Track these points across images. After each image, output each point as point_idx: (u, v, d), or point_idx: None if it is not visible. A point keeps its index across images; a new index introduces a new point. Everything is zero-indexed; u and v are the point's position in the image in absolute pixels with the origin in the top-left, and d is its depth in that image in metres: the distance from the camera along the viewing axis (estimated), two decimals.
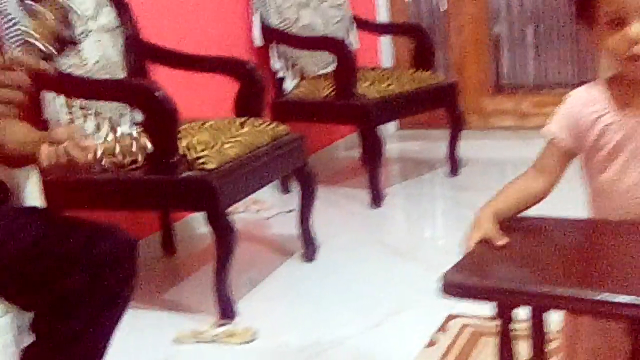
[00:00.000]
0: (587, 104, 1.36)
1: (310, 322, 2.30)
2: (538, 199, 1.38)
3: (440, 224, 3.34)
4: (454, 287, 1.13)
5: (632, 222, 1.30)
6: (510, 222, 1.32)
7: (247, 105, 2.69)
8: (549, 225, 1.34)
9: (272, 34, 3.53)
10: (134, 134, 1.50)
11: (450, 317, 2.17)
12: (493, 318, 1.19)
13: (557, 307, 1.13)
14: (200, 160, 2.25)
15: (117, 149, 1.38)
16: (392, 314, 2.29)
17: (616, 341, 1.24)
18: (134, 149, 1.39)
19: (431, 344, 2.07)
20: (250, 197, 2.81)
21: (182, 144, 2.27)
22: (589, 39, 1.35)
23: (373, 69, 3.66)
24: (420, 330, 2.13)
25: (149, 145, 1.41)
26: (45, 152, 1.36)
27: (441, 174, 3.77)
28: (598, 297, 1.02)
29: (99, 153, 1.36)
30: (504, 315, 1.16)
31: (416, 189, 3.66)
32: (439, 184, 3.73)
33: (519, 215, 1.35)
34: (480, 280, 1.14)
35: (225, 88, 2.76)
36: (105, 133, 2.48)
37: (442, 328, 2.14)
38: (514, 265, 1.20)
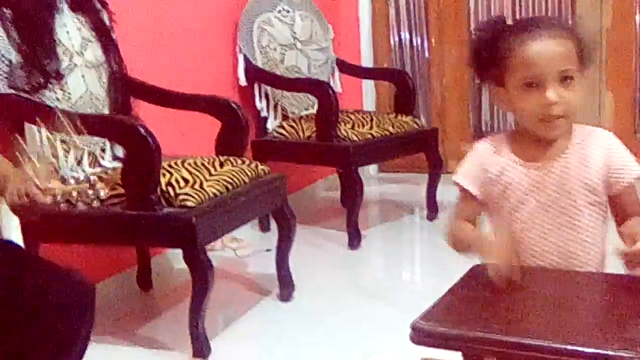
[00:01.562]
0: (492, 155, 1.43)
1: None
2: None
3: (418, 267, 3.35)
4: (423, 335, 1.15)
5: (602, 274, 1.34)
6: (482, 270, 1.35)
7: (228, 144, 2.71)
8: (523, 274, 1.37)
9: (256, 74, 3.57)
10: (94, 178, 1.54)
11: None
12: None
13: (524, 358, 1.15)
14: (180, 197, 2.27)
15: (74, 194, 1.41)
16: (367, 356, 2.29)
17: None
18: (90, 194, 1.43)
19: None
20: (229, 234, 2.82)
21: (164, 180, 2.29)
22: (492, 96, 1.42)
23: (355, 112, 3.71)
24: None
25: (103, 193, 1.46)
26: (9, 190, 1.37)
27: (420, 218, 3.80)
28: (564, 348, 1.04)
29: (58, 196, 1.38)
30: None
31: (395, 232, 3.68)
32: (418, 227, 3.76)
33: (489, 263, 1.38)
34: (448, 329, 1.16)
35: (208, 126, 2.78)
36: (85, 167, 2.49)
37: None
38: (486, 314, 1.22)
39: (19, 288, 1.42)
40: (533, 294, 1.29)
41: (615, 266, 1.36)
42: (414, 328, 1.17)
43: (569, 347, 1.05)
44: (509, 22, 1.42)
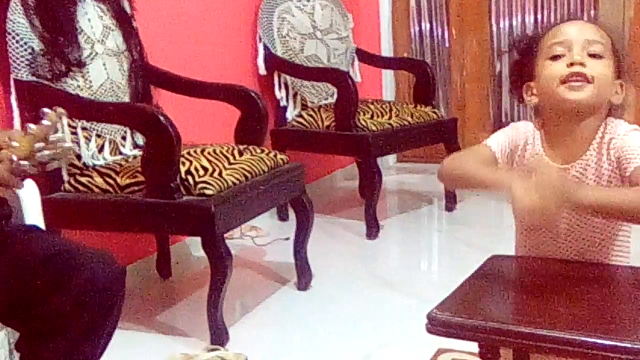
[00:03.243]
0: (526, 139, 1.41)
1: (301, 351, 2.31)
2: None
3: (435, 258, 3.35)
4: (438, 325, 1.15)
5: (624, 267, 1.33)
6: (503, 261, 1.35)
7: (248, 133, 2.72)
8: (539, 266, 1.37)
9: (276, 63, 3.58)
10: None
11: (440, 351, 2.19)
12: (478, 356, 1.21)
13: (539, 350, 1.15)
14: (200, 186, 2.28)
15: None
16: (383, 346, 2.30)
17: None
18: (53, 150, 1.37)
19: None
20: (247, 223, 2.83)
21: (183, 168, 2.30)
22: (524, 93, 1.41)
23: (374, 101, 3.71)
24: None
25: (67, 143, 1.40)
26: None
27: (438, 208, 3.80)
28: (580, 340, 1.04)
29: (14, 158, 1.34)
30: (487, 355, 1.18)
31: (412, 222, 3.68)
32: (435, 218, 3.75)
33: (506, 255, 1.38)
34: (464, 319, 1.16)
35: (228, 115, 2.79)
36: (106, 155, 2.52)
37: None
38: (502, 305, 1.22)
39: (52, 268, 1.44)
40: (549, 285, 1.29)
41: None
42: (429, 318, 1.18)
43: (586, 339, 1.05)
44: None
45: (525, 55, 1.44)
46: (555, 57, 1.35)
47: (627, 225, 1.39)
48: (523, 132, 1.46)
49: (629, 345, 1.03)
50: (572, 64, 1.33)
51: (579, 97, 1.34)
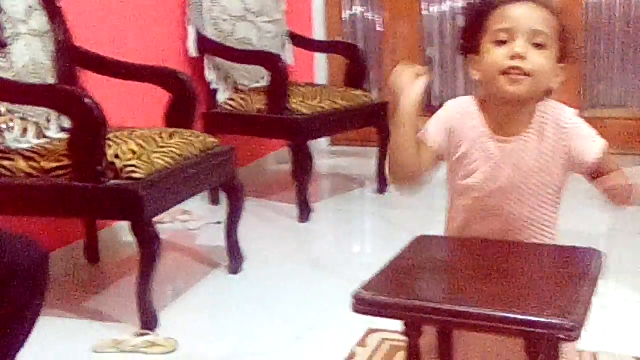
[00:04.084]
0: (464, 116, 1.43)
1: (233, 334, 2.31)
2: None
3: (366, 240, 3.39)
4: (364, 304, 1.17)
5: (548, 246, 1.37)
6: (428, 241, 1.37)
7: (178, 116, 2.69)
8: (464, 245, 1.40)
9: (207, 46, 3.54)
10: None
11: (370, 332, 2.22)
12: (402, 334, 1.23)
13: (460, 326, 1.18)
14: (128, 169, 2.25)
15: None
16: (314, 327, 2.32)
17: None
18: None
19: (350, 357, 2.11)
20: (178, 207, 2.81)
21: (110, 152, 2.26)
22: (468, 65, 1.43)
23: (306, 85, 3.70)
24: (341, 344, 2.17)
25: None
26: None
27: (370, 191, 3.83)
28: (500, 316, 1.08)
29: None
30: (412, 333, 1.20)
31: (344, 205, 3.71)
32: (367, 200, 3.79)
33: (434, 235, 1.40)
34: (388, 298, 1.18)
35: (157, 97, 2.75)
36: (30, 138, 2.45)
37: (362, 342, 2.18)
38: (426, 284, 1.25)
39: None
40: (473, 264, 1.32)
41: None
42: (355, 297, 1.19)
43: (505, 314, 1.09)
44: None
45: (472, 26, 1.44)
46: (499, 42, 1.36)
47: (554, 207, 1.43)
48: (458, 109, 1.47)
49: (544, 320, 1.06)
50: (513, 57, 1.34)
51: (517, 91, 1.37)
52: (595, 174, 1.40)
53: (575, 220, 3.10)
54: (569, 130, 1.39)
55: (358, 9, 4.66)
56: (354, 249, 3.21)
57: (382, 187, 3.76)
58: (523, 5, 1.37)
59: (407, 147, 1.40)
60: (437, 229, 1.57)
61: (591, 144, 1.39)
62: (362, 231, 3.48)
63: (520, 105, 1.40)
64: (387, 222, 3.38)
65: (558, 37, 1.39)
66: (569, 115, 1.42)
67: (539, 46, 1.35)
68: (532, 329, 1.06)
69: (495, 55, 1.35)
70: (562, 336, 1.05)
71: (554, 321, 1.06)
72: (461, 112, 1.45)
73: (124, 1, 3.17)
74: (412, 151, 1.40)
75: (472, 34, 1.42)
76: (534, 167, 1.39)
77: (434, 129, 1.46)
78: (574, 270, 1.24)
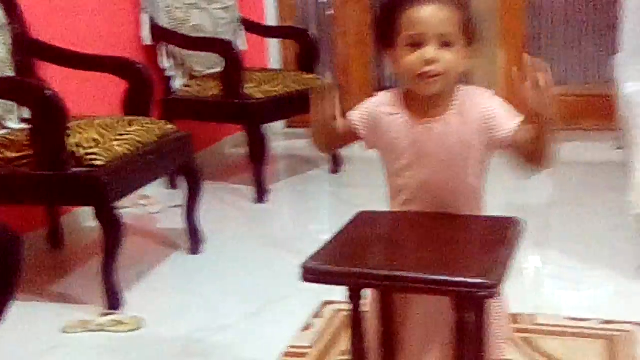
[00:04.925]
0: (387, 107, 1.57)
1: (195, 311, 2.43)
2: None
3: (321, 218, 3.52)
4: (311, 273, 1.31)
5: (471, 216, 1.52)
6: (370, 215, 1.51)
7: (135, 104, 2.79)
8: (402, 218, 1.54)
9: (161, 34, 3.62)
10: None
11: (326, 304, 2.36)
12: (346, 300, 1.38)
13: (398, 289, 1.33)
14: (90, 157, 2.34)
15: None
16: (273, 301, 2.45)
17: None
18: None
19: (306, 328, 2.25)
20: (138, 192, 2.91)
21: (71, 140, 2.35)
22: (388, 59, 1.56)
23: (260, 70, 3.81)
24: (298, 316, 2.31)
25: None
26: None
27: (324, 171, 3.97)
28: (430, 278, 1.23)
29: None
30: (355, 297, 1.35)
31: (300, 186, 3.84)
32: (321, 180, 3.93)
33: (378, 210, 1.55)
34: (332, 267, 1.33)
35: (114, 86, 2.84)
36: None
37: (318, 314, 2.32)
38: (366, 253, 1.39)
39: None
40: (409, 235, 1.46)
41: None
42: (303, 268, 1.33)
43: (435, 277, 1.24)
44: None
45: (384, 23, 1.55)
46: (411, 45, 1.50)
47: (479, 180, 1.57)
48: (386, 97, 1.60)
49: (466, 280, 1.22)
50: (426, 62, 1.48)
51: (432, 90, 1.51)
52: (516, 145, 1.54)
53: (515, 193, 3.29)
54: (487, 109, 1.53)
55: None
56: (309, 227, 3.33)
57: (335, 167, 3.89)
58: (430, 6, 1.49)
59: (324, 138, 1.61)
60: (387, 206, 1.70)
61: (508, 120, 1.52)
62: (317, 210, 3.61)
63: (437, 96, 1.54)
64: (341, 201, 3.53)
65: (464, 29, 1.53)
66: (487, 96, 1.56)
67: (447, 45, 1.49)
68: (457, 288, 1.22)
69: (410, 60, 1.49)
70: (483, 293, 1.20)
71: (476, 281, 1.21)
72: (388, 102, 1.58)
73: None
74: (329, 139, 1.61)
75: (385, 30, 1.54)
76: (457, 144, 1.53)
77: (358, 118, 1.60)
78: (496, 237, 1.39)
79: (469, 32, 1.53)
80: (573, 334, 2.13)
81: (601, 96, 4.12)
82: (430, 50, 1.47)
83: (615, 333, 2.11)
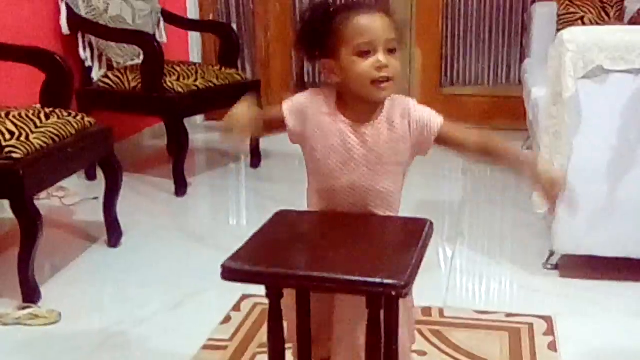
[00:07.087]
0: (319, 104, 1.63)
1: (114, 304, 2.44)
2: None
3: (240, 212, 3.56)
4: (230, 273, 1.37)
5: (393, 217, 1.60)
6: (288, 215, 1.57)
7: (53, 95, 2.76)
8: (319, 218, 1.60)
9: (79, 24, 3.58)
10: None
11: (244, 297, 2.41)
12: (265, 297, 1.44)
13: (314, 288, 1.40)
14: (7, 150, 2.32)
15: None
16: (192, 294, 2.48)
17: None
18: None
19: (226, 320, 2.29)
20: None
21: None
22: (323, 68, 1.62)
23: (181, 63, 3.81)
24: (217, 309, 2.35)
25: None
26: None
27: (244, 165, 4.01)
28: (342, 278, 1.31)
29: None
30: (273, 296, 1.41)
31: (220, 179, 3.87)
32: (241, 174, 3.97)
33: (296, 210, 1.60)
34: (251, 267, 1.38)
35: (32, 77, 2.80)
36: None
37: (236, 307, 2.37)
38: (284, 253, 1.45)
39: None
40: (326, 235, 1.53)
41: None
42: (223, 267, 1.38)
43: (349, 277, 1.32)
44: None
45: (320, 31, 1.60)
46: (361, 53, 1.56)
47: (400, 182, 1.65)
48: (318, 95, 1.65)
49: (378, 280, 1.30)
50: (379, 68, 1.54)
51: (385, 95, 1.58)
52: (450, 140, 1.63)
53: (427, 190, 3.41)
54: (413, 114, 1.62)
55: None
56: (228, 221, 3.38)
57: (255, 161, 3.94)
58: (374, 15, 1.56)
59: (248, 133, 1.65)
60: (306, 203, 1.76)
61: (433, 118, 1.62)
62: (236, 204, 3.65)
63: (368, 102, 1.61)
64: (260, 195, 3.58)
65: (399, 34, 1.61)
66: (412, 104, 1.64)
67: (391, 51, 1.57)
68: (369, 288, 1.29)
69: (363, 67, 1.55)
70: (393, 293, 1.28)
71: (386, 281, 1.29)
72: (321, 100, 1.63)
73: None
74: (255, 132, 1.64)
75: (321, 39, 1.59)
76: (385, 149, 1.60)
77: (289, 110, 1.64)
78: (408, 238, 1.47)
79: (400, 37, 1.61)
80: (480, 327, 2.25)
81: (513, 97, 4.29)
82: (382, 57, 1.54)
83: (518, 325, 2.24)
